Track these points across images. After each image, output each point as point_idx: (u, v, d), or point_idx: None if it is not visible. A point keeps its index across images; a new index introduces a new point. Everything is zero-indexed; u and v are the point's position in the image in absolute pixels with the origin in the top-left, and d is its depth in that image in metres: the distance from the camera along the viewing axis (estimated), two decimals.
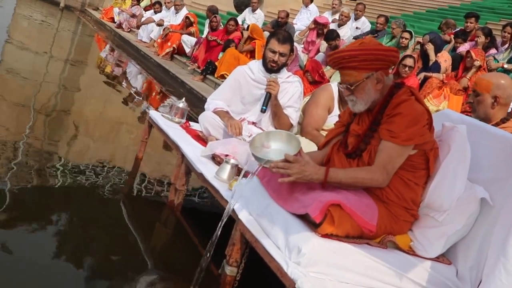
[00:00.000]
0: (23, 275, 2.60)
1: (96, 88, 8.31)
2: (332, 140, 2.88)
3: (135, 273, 2.90)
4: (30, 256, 2.79)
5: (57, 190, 3.75)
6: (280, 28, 10.60)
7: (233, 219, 2.81)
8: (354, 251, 2.42)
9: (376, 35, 9.61)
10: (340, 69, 2.69)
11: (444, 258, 2.67)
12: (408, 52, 8.35)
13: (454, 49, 8.77)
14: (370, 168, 2.56)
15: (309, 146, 3.59)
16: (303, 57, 9.75)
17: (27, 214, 3.27)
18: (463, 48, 8.41)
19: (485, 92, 3.28)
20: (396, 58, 2.68)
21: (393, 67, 7.57)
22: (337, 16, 11.88)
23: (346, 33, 10.46)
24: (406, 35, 8.87)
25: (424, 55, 8.04)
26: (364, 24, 11.45)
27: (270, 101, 3.93)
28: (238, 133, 3.81)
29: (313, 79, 7.10)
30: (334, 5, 12.40)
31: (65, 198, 3.70)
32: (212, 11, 12.24)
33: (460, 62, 7.73)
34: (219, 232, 2.67)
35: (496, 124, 3.26)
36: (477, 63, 7.09)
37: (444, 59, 7.87)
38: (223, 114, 4.01)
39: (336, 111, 3.92)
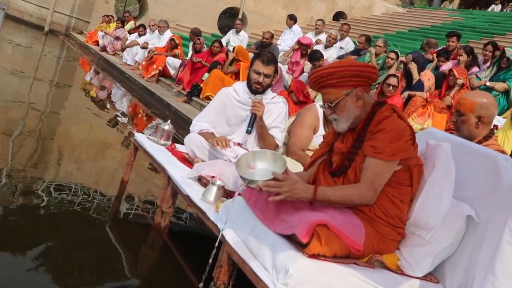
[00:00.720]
0: None
1: (81, 111, 8.28)
2: (318, 160, 2.90)
3: None
4: (13, 281, 2.74)
5: (41, 214, 3.70)
6: (265, 49, 10.67)
7: (219, 240, 2.79)
8: (342, 271, 2.42)
9: (360, 55, 9.69)
10: (320, 89, 2.73)
11: (432, 276, 2.67)
12: (392, 71, 8.43)
13: (436, 67, 8.88)
14: (357, 185, 2.57)
15: (295, 166, 3.60)
16: (288, 78, 9.80)
17: (10, 238, 3.22)
18: (445, 66, 8.51)
19: (469, 112, 3.31)
20: (373, 74, 2.70)
21: (376, 85, 7.65)
22: (320, 37, 12.01)
23: (332, 55, 10.55)
24: (392, 55, 8.95)
25: (407, 74, 8.11)
26: (348, 44, 11.57)
27: (255, 122, 3.95)
28: (225, 145, 3.81)
29: (298, 100, 7.13)
30: (317, 26, 12.52)
31: (50, 222, 3.66)
32: (195, 33, 12.29)
33: (443, 81, 7.80)
34: (210, 260, 2.66)
35: (479, 142, 3.29)
36: (460, 81, 7.17)
37: (428, 77, 7.95)
38: (208, 136, 4.01)
39: (321, 131, 3.95)
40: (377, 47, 9.52)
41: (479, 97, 3.37)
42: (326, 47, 10.86)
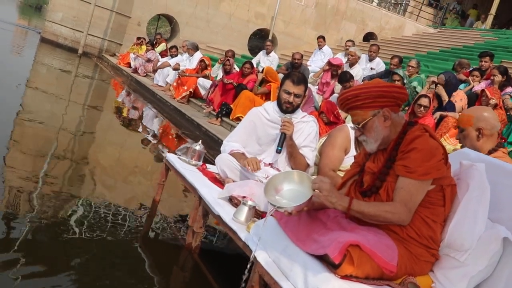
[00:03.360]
0: None
1: (113, 132, 8.40)
2: (349, 180, 2.89)
3: None
4: None
5: (74, 236, 3.75)
6: (295, 70, 10.71)
7: (249, 259, 2.79)
8: None
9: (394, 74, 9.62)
10: (348, 111, 2.76)
11: None
12: (423, 91, 8.36)
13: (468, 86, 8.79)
14: (392, 203, 2.55)
15: None
16: (318, 98, 9.80)
17: (45, 258, 3.27)
18: (478, 87, 8.42)
19: (468, 126, 3.41)
20: (401, 94, 2.69)
21: (407, 107, 7.59)
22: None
23: (358, 73, 10.51)
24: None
25: (439, 95, 8.04)
26: (379, 65, 11.53)
27: (285, 141, 3.96)
28: (256, 168, 3.82)
29: (328, 120, 7.12)
30: (347, 46, 12.53)
31: (83, 243, 3.70)
32: (228, 55, 12.45)
33: (475, 101, 7.72)
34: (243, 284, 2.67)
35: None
36: (492, 102, 7.08)
37: (460, 98, 7.87)
38: (239, 156, 4.04)
39: (352, 152, 3.93)
40: (410, 68, 9.46)
41: (477, 111, 3.48)
42: (351, 65, 10.83)
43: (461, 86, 8.90)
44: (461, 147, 3.50)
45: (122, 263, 3.55)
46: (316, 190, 2.51)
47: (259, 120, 4.16)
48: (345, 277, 2.38)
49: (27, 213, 3.84)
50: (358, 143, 3.93)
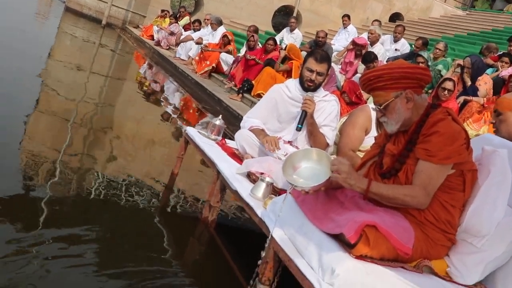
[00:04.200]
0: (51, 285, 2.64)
1: (134, 104, 8.44)
2: (369, 161, 2.87)
3: (164, 284, 2.91)
4: (62, 267, 2.82)
5: (92, 204, 3.81)
6: (319, 48, 10.63)
7: (265, 236, 2.81)
8: (389, 274, 2.39)
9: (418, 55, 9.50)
10: (370, 92, 2.73)
11: (482, 285, 2.61)
12: (448, 75, 8.25)
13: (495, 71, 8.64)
14: (411, 186, 2.54)
15: None
16: (341, 78, 9.74)
17: (62, 225, 3.32)
18: (505, 72, 8.27)
19: (507, 110, 3.27)
20: (425, 76, 2.65)
21: (430, 90, 7.50)
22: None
23: (379, 51, 10.37)
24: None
25: (463, 79, 7.93)
26: (404, 46, 11.40)
27: (305, 119, 3.94)
28: (274, 148, 3.82)
29: (350, 100, 7.07)
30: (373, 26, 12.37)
31: (100, 211, 3.75)
32: (253, 31, 12.38)
33: (502, 87, 7.60)
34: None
35: None
36: None
37: (484, 81, 7.74)
38: (258, 132, 4.03)
39: (373, 132, 3.91)
40: (437, 50, 9.32)
41: None
42: (372, 44, 10.70)
43: (488, 71, 8.75)
44: (494, 132, 3.42)
45: (138, 234, 3.59)
46: (334, 172, 2.50)
47: (281, 97, 4.14)
48: (360, 257, 2.38)
49: (45, 180, 3.89)
50: (379, 124, 3.90)
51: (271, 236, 2.74)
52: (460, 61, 8.49)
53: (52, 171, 4.12)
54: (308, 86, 4.01)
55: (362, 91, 7.00)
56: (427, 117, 2.62)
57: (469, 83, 7.75)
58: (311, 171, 2.61)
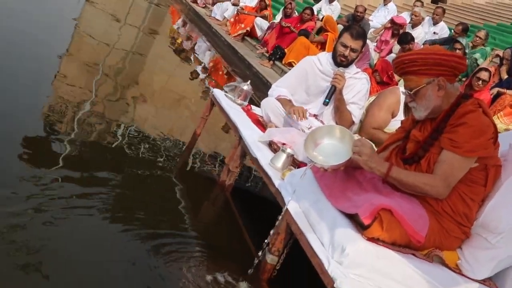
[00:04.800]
0: (65, 231, 2.69)
1: (165, 58, 8.46)
2: (392, 145, 2.85)
3: (176, 246, 2.94)
4: (76, 213, 2.87)
5: (112, 153, 3.84)
6: (356, 23, 10.47)
7: (280, 206, 2.82)
8: (399, 259, 2.39)
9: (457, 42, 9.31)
10: (402, 75, 2.70)
11: (491, 282, 2.60)
12: (484, 64, 8.08)
13: None
14: (432, 176, 2.51)
15: None
16: (374, 56, 9.60)
17: (80, 170, 3.35)
18: None
19: None
20: (460, 64, 2.60)
21: (464, 78, 7.37)
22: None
23: (420, 35, 10.18)
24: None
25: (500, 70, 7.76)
26: (443, 30, 11.15)
27: (334, 94, 3.92)
28: (301, 117, 3.79)
29: (381, 80, 7.00)
30: (414, 6, 12.12)
31: (119, 162, 3.79)
32: None
33: None
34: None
35: None
36: None
37: None
38: (285, 102, 4.02)
39: (400, 116, 3.86)
40: (477, 38, 9.10)
41: None
42: (413, 26, 10.50)
43: None
44: None
45: (154, 187, 3.64)
46: (355, 153, 2.49)
47: (312, 69, 4.11)
48: (372, 239, 2.38)
49: (69, 125, 3.94)
50: (407, 108, 3.85)
51: (286, 207, 2.75)
52: (500, 52, 8.30)
53: (78, 116, 4.17)
54: (341, 62, 3.96)
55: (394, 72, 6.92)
56: (457, 107, 2.58)
57: (505, 76, 7.58)
58: (333, 148, 2.60)
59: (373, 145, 2.62)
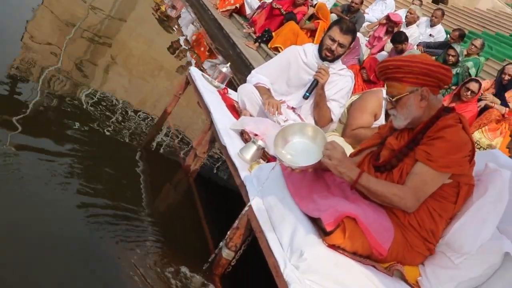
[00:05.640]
0: (14, 199, 2.68)
1: (145, 25, 8.36)
2: (366, 149, 2.88)
3: (129, 231, 2.94)
4: (27, 181, 2.85)
5: (75, 118, 3.80)
6: (350, 15, 10.49)
7: (242, 200, 2.83)
8: (358, 270, 2.41)
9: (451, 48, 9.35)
10: (385, 80, 2.69)
11: None
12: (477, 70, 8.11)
13: None
14: (402, 187, 2.54)
15: (345, 148, 3.58)
16: (365, 51, 9.63)
17: (39, 134, 3.33)
18: None
19: None
20: (446, 76, 2.62)
21: (453, 87, 7.43)
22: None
23: (413, 34, 10.18)
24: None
25: (499, 84, 7.80)
26: (439, 33, 11.19)
27: (315, 89, 3.93)
28: (273, 113, 3.80)
29: (368, 78, 7.04)
30: (412, 3, 12.17)
31: (81, 128, 3.75)
32: None
33: None
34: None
35: None
36: None
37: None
38: (263, 91, 4.01)
39: (381, 120, 3.89)
40: (473, 47, 9.17)
41: None
42: (408, 24, 10.54)
43: None
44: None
45: (115, 164, 3.62)
46: (326, 156, 2.50)
47: (295, 60, 4.11)
48: (333, 246, 2.40)
49: (35, 82, 3.89)
50: (387, 114, 3.89)
51: (249, 203, 2.76)
52: (508, 66, 8.22)
53: (44, 75, 4.11)
54: (326, 56, 3.97)
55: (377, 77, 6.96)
56: (437, 119, 2.60)
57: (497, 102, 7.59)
58: (304, 147, 2.61)
59: (345, 149, 2.62)
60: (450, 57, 8.35)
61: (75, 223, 2.76)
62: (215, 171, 4.47)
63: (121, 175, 3.51)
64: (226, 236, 2.80)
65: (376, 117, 3.97)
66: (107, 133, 3.92)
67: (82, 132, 3.74)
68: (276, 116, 3.78)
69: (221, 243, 2.81)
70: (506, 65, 8.18)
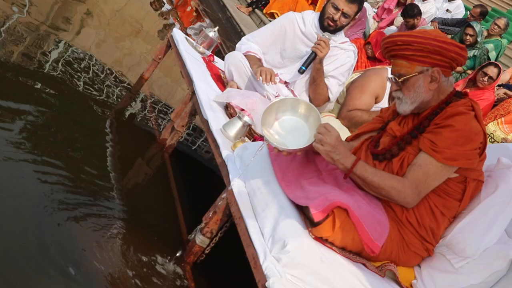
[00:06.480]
0: None
1: None
2: (364, 134, 2.87)
3: (96, 209, 2.93)
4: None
5: (45, 78, 3.77)
6: None
7: (222, 182, 2.82)
8: (345, 267, 2.41)
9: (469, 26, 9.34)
10: (391, 58, 2.66)
11: None
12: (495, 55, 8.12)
13: None
14: (402, 180, 2.53)
15: (341, 132, 3.59)
16: (372, 25, 9.60)
17: (7, 90, 3.30)
18: None
19: None
20: (460, 56, 2.59)
21: (469, 71, 7.42)
22: None
23: (430, 10, 10.16)
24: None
25: None
26: (458, 9, 11.13)
27: (313, 63, 3.91)
28: (269, 80, 3.76)
29: (373, 55, 7.02)
30: None
31: (51, 90, 3.72)
32: None
33: None
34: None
35: None
36: None
37: None
38: (254, 61, 3.99)
39: (384, 103, 3.90)
40: (495, 27, 9.14)
41: None
42: None
43: None
44: None
45: (84, 133, 3.61)
46: (317, 141, 2.47)
47: (292, 29, 4.09)
48: (320, 239, 2.40)
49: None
50: (391, 97, 3.88)
51: (230, 186, 2.76)
52: None
53: (9, 28, 4.07)
54: (328, 26, 3.95)
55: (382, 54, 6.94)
56: (446, 105, 2.59)
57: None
58: (294, 125, 2.59)
59: (340, 133, 2.60)
60: (468, 37, 8.31)
61: (30, 202, 2.71)
62: (194, 148, 4.47)
63: (87, 145, 3.49)
64: (202, 221, 2.81)
65: (377, 100, 3.97)
66: (73, 96, 3.89)
67: (45, 93, 3.70)
68: (268, 86, 3.76)
69: (195, 229, 2.82)
70: None
